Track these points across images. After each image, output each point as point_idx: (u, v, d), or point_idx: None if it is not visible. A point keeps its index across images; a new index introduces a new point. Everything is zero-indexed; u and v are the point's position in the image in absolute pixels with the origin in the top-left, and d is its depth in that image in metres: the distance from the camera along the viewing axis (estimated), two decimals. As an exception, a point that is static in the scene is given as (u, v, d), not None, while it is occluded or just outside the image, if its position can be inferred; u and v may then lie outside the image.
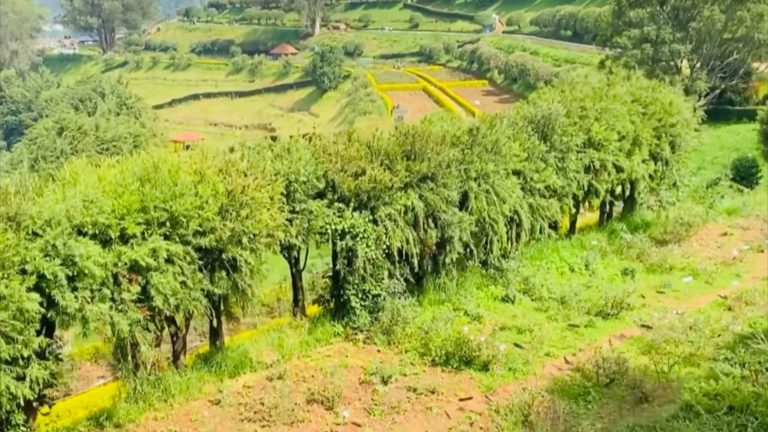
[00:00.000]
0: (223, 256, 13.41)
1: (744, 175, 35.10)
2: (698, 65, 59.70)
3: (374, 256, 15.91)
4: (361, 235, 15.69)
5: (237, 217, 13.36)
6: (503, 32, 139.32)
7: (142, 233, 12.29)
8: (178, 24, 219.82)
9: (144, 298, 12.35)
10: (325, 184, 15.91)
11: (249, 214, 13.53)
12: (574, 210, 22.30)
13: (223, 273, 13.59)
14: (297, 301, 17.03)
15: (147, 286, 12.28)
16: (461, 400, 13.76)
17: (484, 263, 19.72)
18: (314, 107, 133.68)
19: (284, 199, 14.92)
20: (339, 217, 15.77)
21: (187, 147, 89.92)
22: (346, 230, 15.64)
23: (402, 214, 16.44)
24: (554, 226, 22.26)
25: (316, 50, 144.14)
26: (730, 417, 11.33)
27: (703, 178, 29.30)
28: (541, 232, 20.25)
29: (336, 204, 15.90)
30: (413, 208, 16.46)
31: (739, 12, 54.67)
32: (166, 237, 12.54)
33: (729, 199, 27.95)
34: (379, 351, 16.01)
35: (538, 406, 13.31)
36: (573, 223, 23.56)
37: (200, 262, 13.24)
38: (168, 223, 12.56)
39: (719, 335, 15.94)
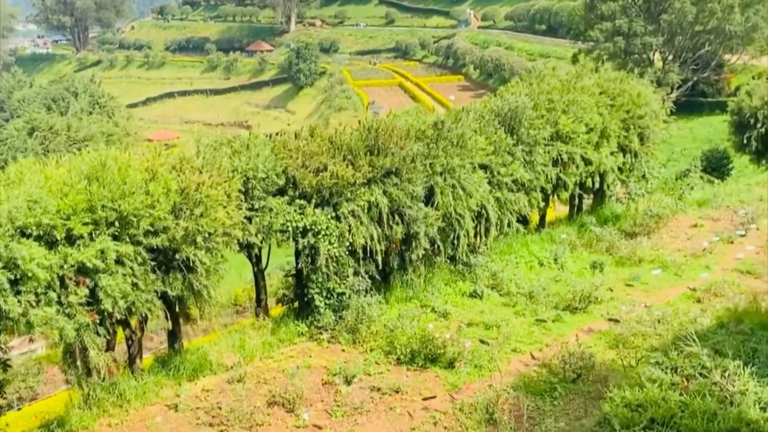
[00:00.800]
0: (177, 256, 12.98)
1: (715, 166, 35.16)
2: (670, 57, 59.95)
3: (337, 254, 15.56)
4: (323, 233, 15.33)
5: (191, 216, 12.94)
6: (478, 27, 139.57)
7: (90, 234, 11.84)
8: (153, 22, 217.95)
9: (93, 301, 11.89)
10: (285, 180, 15.52)
11: (204, 212, 13.11)
12: (543, 204, 22.08)
13: (178, 274, 13.17)
14: (260, 301, 16.65)
15: (95, 288, 11.83)
16: (425, 399, 13.46)
17: (452, 259, 19.44)
18: (290, 104, 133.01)
19: (242, 197, 14.51)
20: (300, 214, 15.39)
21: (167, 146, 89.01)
22: (308, 227, 15.27)
23: (366, 211, 16.10)
24: (524, 220, 22.05)
25: (291, 47, 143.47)
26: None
27: (673, 169, 29.25)
28: (509, 227, 19.97)
29: (297, 201, 15.52)
30: (377, 204, 16.12)
31: (710, 4, 54.93)
32: (116, 237, 12.10)
33: (699, 191, 27.93)
34: (343, 350, 15.67)
35: (503, 404, 13.04)
36: (542, 216, 23.37)
37: (153, 263, 12.81)
38: (117, 223, 12.11)
39: (687, 328, 15.76)
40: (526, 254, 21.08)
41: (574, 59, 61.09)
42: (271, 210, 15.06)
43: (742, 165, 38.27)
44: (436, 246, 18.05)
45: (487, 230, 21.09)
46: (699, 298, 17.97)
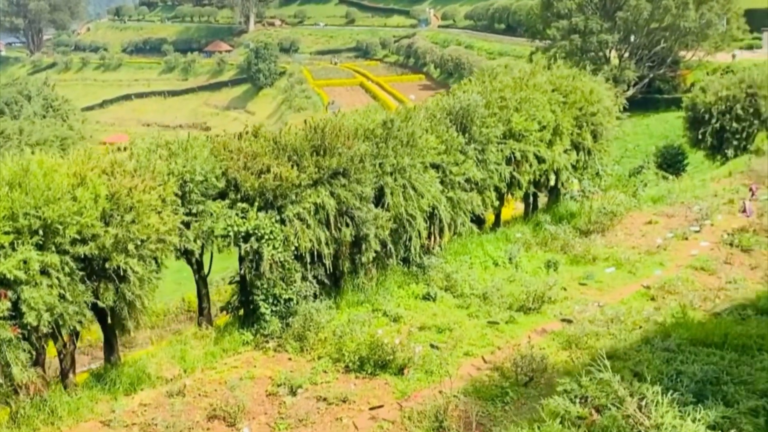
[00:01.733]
0: (108, 265, 12.30)
1: (670, 162, 35.30)
2: (626, 55, 60.32)
3: (283, 259, 14.98)
4: (267, 237, 14.75)
5: (121, 223, 12.27)
6: (439, 26, 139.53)
7: (11, 243, 11.12)
8: (109, 23, 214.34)
9: (15, 314, 11.17)
10: (226, 183, 14.91)
11: (136, 218, 12.45)
12: (497, 203, 21.74)
13: (109, 284, 12.48)
14: (202, 310, 16.00)
15: (18, 301, 11.11)
16: (372, 408, 12.97)
17: (406, 260, 19.00)
18: (250, 105, 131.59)
19: (179, 201, 13.86)
20: (242, 218, 14.79)
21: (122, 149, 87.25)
22: (250, 232, 14.67)
23: (312, 213, 15.55)
24: (479, 219, 21.71)
25: (250, 47, 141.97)
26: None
27: (627, 166, 29.22)
28: (462, 226, 19.59)
29: (239, 204, 14.91)
30: (324, 206, 15.58)
31: (665, 1, 55.31)
32: (40, 246, 11.40)
33: (654, 187, 27.89)
34: (290, 359, 15.11)
35: (452, 411, 12.61)
36: (498, 215, 23.07)
37: (82, 273, 12.12)
38: (41, 231, 11.40)
39: (640, 327, 15.55)
40: (481, 254, 20.73)
41: (531, 58, 61.16)
42: (211, 214, 14.42)
43: (698, 161, 38.54)
44: (387, 248, 17.56)
45: (441, 231, 20.80)
46: (653, 296, 17.80)
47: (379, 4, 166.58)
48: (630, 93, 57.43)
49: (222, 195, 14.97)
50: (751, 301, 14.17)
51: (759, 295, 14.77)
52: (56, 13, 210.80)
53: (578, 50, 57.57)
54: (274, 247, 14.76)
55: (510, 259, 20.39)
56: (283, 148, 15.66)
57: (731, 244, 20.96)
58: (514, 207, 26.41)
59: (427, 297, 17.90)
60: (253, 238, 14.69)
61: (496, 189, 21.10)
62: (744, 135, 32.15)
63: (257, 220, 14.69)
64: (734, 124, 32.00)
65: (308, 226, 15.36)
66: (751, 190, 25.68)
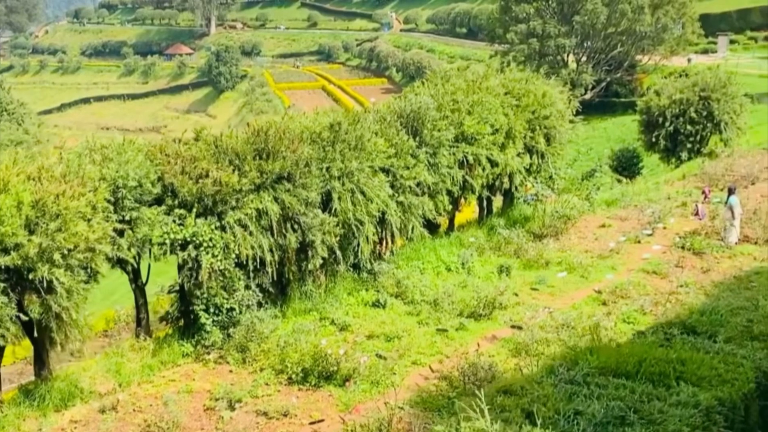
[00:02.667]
0: (32, 276, 11.65)
1: (626, 165, 35.43)
2: (584, 59, 60.77)
3: (223, 267, 14.44)
4: (206, 245, 14.20)
5: (47, 231, 11.64)
6: (401, 30, 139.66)
7: (-76, 254, 10.45)
8: (68, 26, 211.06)
9: (-72, 330, 10.50)
10: (162, 188, 14.34)
11: (62, 226, 11.83)
12: (450, 207, 21.43)
13: (34, 295, 11.84)
14: (139, 321, 15.38)
15: (-69, 316, 10.45)
16: (312, 423, 12.51)
17: (356, 267, 18.59)
18: (211, 108, 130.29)
19: (111, 208, 13.26)
20: (180, 225, 14.23)
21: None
22: (188, 239, 14.11)
23: (254, 219, 15.04)
24: (432, 224, 21.39)
25: (212, 50, 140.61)
26: None
27: (580, 169, 29.19)
28: (413, 232, 19.23)
29: (176, 210, 14.34)
30: (267, 212, 15.08)
31: (621, 5, 55.83)
32: (-45, 257, 10.74)
33: (608, 190, 27.87)
34: (231, 371, 14.57)
35: (397, 423, 12.18)
36: (451, 220, 22.76)
37: (4, 284, 11.46)
38: (-43, 241, 10.75)
39: (590, 333, 15.31)
40: (434, 259, 20.36)
41: (507, 64, 61.34)
42: (146, 221, 13.83)
43: (653, 164, 38.77)
44: (336, 254, 17.10)
45: (393, 236, 20.43)
46: (604, 301, 17.59)
47: (342, 8, 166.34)
48: (588, 97, 57.93)
49: (158, 201, 14.39)
50: (680, 317, 13.54)
51: (692, 309, 14.24)
52: (13, 15, 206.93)
53: (536, 54, 57.84)
54: (213, 255, 14.22)
55: (463, 264, 20.06)
56: (224, 151, 15.13)
57: (683, 248, 20.90)
58: (474, 210, 26.18)
59: (376, 304, 17.49)
60: (191, 246, 14.14)
61: (449, 193, 20.79)
62: (698, 138, 32.33)
63: (195, 227, 14.14)
64: (688, 127, 32.15)
65: (250, 233, 14.86)
66: (703, 192, 25.75)
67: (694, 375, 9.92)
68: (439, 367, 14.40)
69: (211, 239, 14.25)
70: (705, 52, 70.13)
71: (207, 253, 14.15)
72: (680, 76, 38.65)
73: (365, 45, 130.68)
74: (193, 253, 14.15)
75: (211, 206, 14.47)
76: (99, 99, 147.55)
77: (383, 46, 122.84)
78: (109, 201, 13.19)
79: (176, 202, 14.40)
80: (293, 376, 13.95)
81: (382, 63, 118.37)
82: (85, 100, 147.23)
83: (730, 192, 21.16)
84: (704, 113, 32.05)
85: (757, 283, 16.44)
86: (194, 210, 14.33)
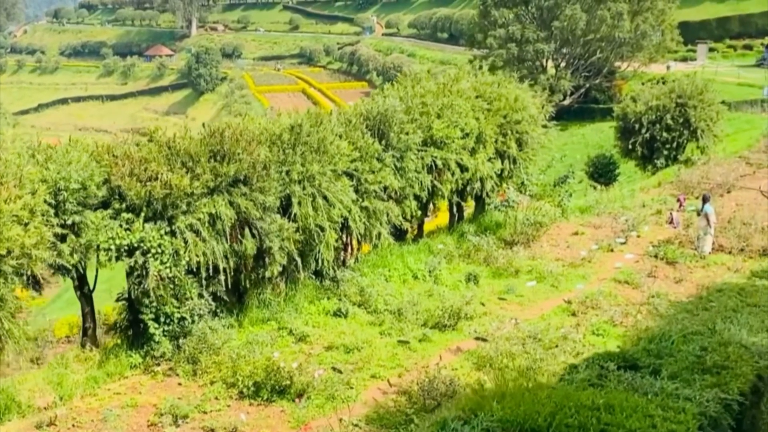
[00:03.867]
0: (-42, 284, 10.93)
1: (602, 172, 35.04)
2: (563, 65, 60.50)
3: (172, 274, 13.72)
4: (154, 251, 13.47)
5: (-25, 236, 10.92)
6: (383, 34, 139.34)
7: None
8: (47, 26, 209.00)
9: None
10: (108, 191, 13.61)
11: (-7, 231, 11.10)
12: (419, 212, 20.82)
13: (-38, 304, 11.10)
14: (85, 330, 14.62)
15: None
16: (260, 441, 11.83)
17: (318, 274, 17.93)
18: (191, 110, 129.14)
19: (51, 211, 12.52)
20: (126, 230, 13.50)
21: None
22: (135, 245, 13.39)
23: (208, 224, 14.34)
24: (400, 230, 20.78)
25: (192, 52, 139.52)
26: None
27: (553, 176, 28.70)
28: (378, 238, 18.60)
29: (124, 215, 13.61)
30: (220, 217, 14.38)
31: (600, 11, 55.62)
32: None
33: (582, 197, 27.41)
34: (180, 384, 13.83)
35: (350, 441, 11.60)
36: (420, 226, 22.15)
37: (-72, 293, 10.71)
38: None
39: (557, 346, 14.77)
40: (400, 267, 19.72)
41: (479, 68, 60.94)
42: (90, 226, 13.09)
43: (630, 170, 38.43)
44: (295, 261, 16.41)
45: (359, 242, 19.82)
46: (574, 312, 17.05)
47: (324, 12, 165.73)
48: (566, 102, 57.68)
49: (105, 204, 13.66)
50: (623, 348, 12.67)
51: (640, 335, 13.32)
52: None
53: (515, 59, 57.47)
54: (162, 262, 13.49)
55: (430, 271, 19.47)
56: (176, 153, 14.42)
57: (656, 257, 20.47)
58: (448, 216, 25.59)
59: (338, 313, 16.83)
60: (138, 252, 13.41)
61: (418, 198, 20.19)
62: (674, 145, 31.98)
63: (143, 232, 13.41)
64: (664, 134, 31.79)
65: (203, 239, 14.14)
66: (678, 201, 25.37)
67: (623, 427, 7.66)
68: (398, 381, 13.76)
69: (159, 245, 13.53)
70: (684, 59, 70.26)
71: (155, 259, 13.43)
72: (658, 83, 38.41)
73: (346, 49, 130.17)
74: (141, 260, 13.42)
75: (161, 210, 13.74)
76: (77, 100, 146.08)
77: (364, 50, 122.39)
78: (50, 204, 12.44)
79: (124, 205, 13.67)
80: (244, 390, 13.25)
81: (363, 67, 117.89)
82: (63, 101, 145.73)
83: (705, 200, 20.75)
84: (681, 120, 31.74)
85: (717, 303, 15.65)
86: (143, 214, 13.60)
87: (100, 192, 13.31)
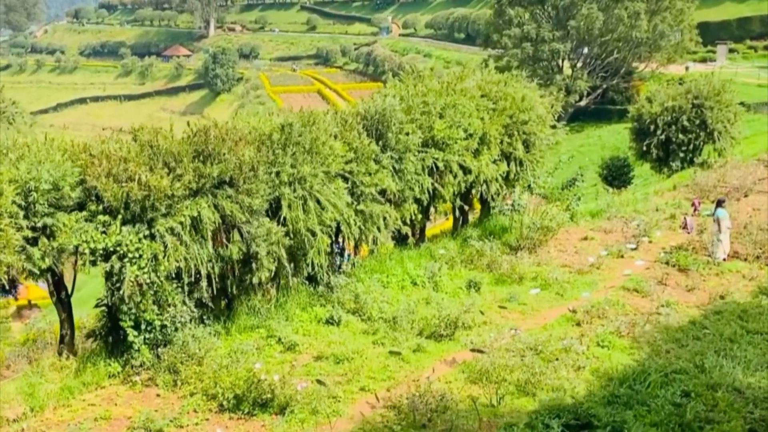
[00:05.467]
0: None
1: (615, 175, 34.05)
2: (579, 65, 59.42)
3: (150, 279, 13.06)
4: (131, 255, 12.83)
5: (-67, 239, 10.31)
6: (400, 35, 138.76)
7: None
8: (67, 26, 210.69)
9: None
10: (84, 192, 12.98)
11: (-46, 234, 10.50)
12: (420, 216, 20.04)
13: None
14: (62, 337, 14.01)
15: None
16: (234, 459, 11.13)
17: (312, 279, 17.23)
18: (207, 110, 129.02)
19: (21, 213, 11.90)
20: (103, 233, 12.86)
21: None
22: (111, 249, 12.74)
23: (189, 228, 13.67)
24: (402, 234, 20.01)
25: (209, 52, 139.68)
26: None
27: (561, 178, 27.78)
28: (374, 243, 17.89)
29: (100, 217, 12.97)
30: (203, 220, 13.70)
31: (617, 10, 54.51)
32: None
33: (593, 201, 26.50)
34: (158, 395, 13.17)
35: (331, 460, 10.87)
36: (422, 230, 21.36)
37: None
38: None
39: (557, 359, 13.95)
40: (399, 272, 18.96)
41: (485, 65, 60.02)
42: (63, 229, 12.46)
43: (646, 173, 37.43)
44: (285, 266, 15.70)
45: (356, 246, 19.12)
46: (579, 321, 16.20)
47: (341, 12, 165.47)
48: (583, 103, 56.62)
49: (81, 206, 13.03)
50: (577, 399, 11.40)
51: (612, 373, 11.90)
52: (12, 14, 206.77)
53: (530, 59, 56.47)
54: (139, 267, 12.83)
55: (430, 278, 18.70)
56: (158, 152, 13.77)
57: (668, 263, 19.55)
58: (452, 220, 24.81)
59: (330, 321, 16.11)
60: (114, 257, 12.76)
61: (418, 201, 19.43)
62: (690, 147, 30.98)
63: (120, 236, 12.76)
64: (680, 136, 30.80)
65: (184, 243, 13.47)
66: (693, 204, 24.42)
67: None
68: (388, 394, 13.01)
69: (137, 249, 12.87)
70: (704, 60, 68.92)
71: (132, 264, 12.78)
72: (678, 84, 37.35)
73: (363, 49, 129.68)
74: (117, 265, 12.77)
75: (140, 213, 13.09)
76: (95, 99, 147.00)
77: (380, 51, 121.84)
78: (19, 206, 11.83)
79: (100, 207, 13.03)
80: (225, 402, 12.56)
81: (379, 67, 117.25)
82: (82, 101, 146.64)
83: (719, 204, 19.82)
84: (697, 122, 30.72)
85: (711, 330, 14.31)
86: (120, 217, 12.96)
87: (74, 193, 12.67)
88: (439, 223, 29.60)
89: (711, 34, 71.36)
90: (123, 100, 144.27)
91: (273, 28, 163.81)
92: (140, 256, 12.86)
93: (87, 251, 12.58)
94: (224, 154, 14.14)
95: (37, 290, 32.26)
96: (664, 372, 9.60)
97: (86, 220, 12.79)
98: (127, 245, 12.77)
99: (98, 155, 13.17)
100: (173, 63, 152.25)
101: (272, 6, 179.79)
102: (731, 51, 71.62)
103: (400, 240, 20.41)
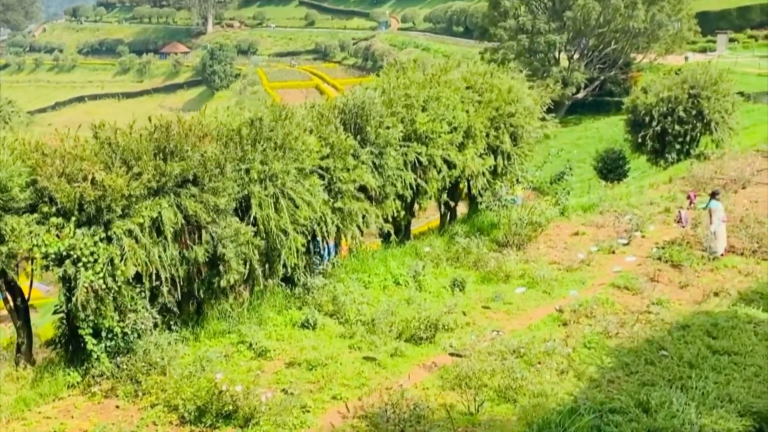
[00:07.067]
0: None
1: (611, 167, 33.25)
2: (576, 56, 58.52)
3: (108, 285, 12.36)
4: (85, 259, 12.12)
5: None
6: (398, 29, 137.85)
7: None
8: (66, 24, 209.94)
9: None
10: (35, 193, 12.28)
11: None
12: (404, 213, 19.31)
13: None
14: (19, 346, 13.30)
15: None
16: (189, 477, 10.44)
17: (289, 281, 16.53)
18: (206, 107, 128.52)
19: (-36, 216, 11.23)
20: (57, 236, 12.16)
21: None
22: (63, 253, 12.04)
23: (150, 229, 12.97)
24: (387, 232, 19.28)
25: (207, 48, 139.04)
26: None
27: (549, 172, 26.99)
28: (353, 239, 17.19)
29: (53, 219, 12.27)
30: (163, 221, 12.99)
31: (613, 0, 53.55)
32: None
33: (585, 194, 25.74)
34: (118, 407, 12.47)
35: (294, 477, 10.18)
36: (407, 227, 20.63)
37: None
38: None
39: (539, 363, 13.24)
40: (382, 272, 18.23)
41: (480, 59, 59.16)
42: (12, 232, 11.77)
43: (643, 165, 36.65)
44: (256, 268, 14.95)
45: (337, 245, 18.45)
46: (565, 321, 15.49)
47: (340, 7, 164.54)
48: (580, 96, 55.78)
49: (33, 208, 12.33)
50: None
51: (527, 417, 10.34)
52: (9, 12, 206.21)
53: (526, 51, 55.60)
54: (95, 272, 12.13)
55: (414, 277, 17.98)
56: (116, 150, 13.06)
57: (660, 259, 18.83)
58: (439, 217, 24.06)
59: (305, 325, 15.40)
60: (68, 261, 12.07)
61: (401, 198, 18.70)
62: (687, 138, 30.19)
63: (73, 239, 12.06)
64: (676, 127, 30.00)
65: (144, 246, 12.76)
66: (689, 197, 23.65)
67: None
68: (358, 404, 12.29)
69: (92, 253, 12.17)
70: (704, 50, 67.97)
71: (86, 269, 12.07)
72: (675, 74, 36.48)
73: (361, 44, 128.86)
74: (71, 270, 12.07)
75: (95, 214, 12.39)
76: (93, 98, 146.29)
77: (379, 45, 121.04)
78: (-38, 208, 11.16)
79: (53, 209, 12.32)
80: (186, 414, 11.87)
81: (378, 62, 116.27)
82: (80, 99, 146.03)
83: (712, 196, 19.07)
84: (694, 112, 29.93)
85: (671, 351, 12.84)
86: (74, 219, 12.25)
87: (24, 194, 11.97)
88: (432, 219, 28.88)
89: (711, 23, 70.40)
90: (121, 98, 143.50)
91: (269, 24, 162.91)
92: (95, 260, 12.16)
93: (39, 256, 11.87)
94: (187, 151, 13.43)
95: (35, 292, 31.69)
96: (599, 412, 8.02)
97: (38, 223, 12.08)
98: (81, 249, 12.07)
99: (51, 154, 12.47)
100: (171, 60, 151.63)
101: (270, 2, 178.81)
102: (731, 40, 70.64)
103: (386, 238, 19.69)
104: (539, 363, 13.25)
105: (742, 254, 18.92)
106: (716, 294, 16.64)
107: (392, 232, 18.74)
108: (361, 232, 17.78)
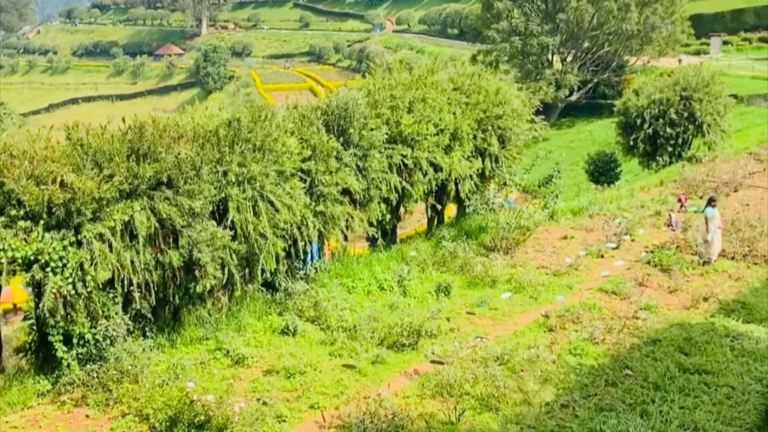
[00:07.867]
0: None
1: (602, 170, 32.94)
2: (569, 59, 58.26)
3: (78, 290, 11.98)
4: (54, 264, 11.75)
5: None
6: (393, 31, 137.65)
7: None
8: (60, 26, 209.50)
9: None
10: (2, 196, 11.90)
11: None
12: (389, 216, 18.97)
13: None
14: (-13, 353, 12.94)
15: None
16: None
17: (270, 286, 16.17)
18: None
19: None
20: (24, 240, 11.78)
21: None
22: (31, 257, 11.67)
23: (121, 233, 12.60)
24: (374, 236, 18.93)
25: (201, 50, 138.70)
26: None
27: (538, 175, 26.67)
28: (336, 243, 16.83)
29: (20, 223, 11.88)
30: (135, 224, 12.62)
31: (607, 2, 53.31)
32: None
33: (575, 198, 25.42)
34: (88, 416, 12.09)
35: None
36: (393, 230, 20.28)
37: None
38: None
39: (522, 370, 12.90)
40: (366, 276, 17.88)
41: (473, 61, 58.91)
42: (-22, 236, 11.40)
43: (635, 168, 36.38)
44: (234, 273, 14.59)
45: (320, 249, 18.08)
46: (551, 327, 15.14)
47: (334, 9, 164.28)
48: (573, 98, 55.53)
49: (0, 211, 11.95)
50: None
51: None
52: (3, 14, 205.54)
53: (519, 53, 55.30)
54: (63, 277, 11.76)
55: (399, 282, 17.63)
56: (88, 152, 12.69)
57: (649, 263, 18.51)
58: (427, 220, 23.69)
59: (285, 331, 15.03)
60: (36, 266, 11.69)
61: (386, 201, 18.36)
62: (679, 141, 29.91)
63: (41, 243, 11.69)
64: (668, 130, 29.72)
65: (115, 250, 12.39)
66: (680, 200, 23.36)
67: None
68: (336, 413, 11.94)
69: (61, 258, 11.80)
70: (697, 53, 67.82)
71: (55, 274, 11.70)
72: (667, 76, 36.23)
73: (356, 46, 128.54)
74: (39, 274, 11.69)
75: (65, 218, 12.02)
76: (87, 99, 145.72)
77: (373, 47, 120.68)
78: (-77, 212, 10.78)
79: (21, 212, 11.94)
80: (157, 425, 11.50)
81: (372, 64, 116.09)
82: (74, 101, 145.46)
83: (709, 202, 18.66)
84: (685, 114, 29.65)
85: (636, 370, 12.18)
86: (42, 222, 11.88)
87: (-11, 198, 11.60)
88: (421, 223, 28.54)
89: (705, 26, 70.29)
90: (115, 100, 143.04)
91: (263, 26, 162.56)
92: (65, 265, 11.79)
93: (5, 260, 11.49)
94: (161, 153, 13.07)
95: (23, 293, 31.39)
96: None
97: (5, 227, 11.69)
98: (49, 253, 11.69)
99: (19, 155, 12.09)
100: (165, 62, 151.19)
101: (265, 3, 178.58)
102: (725, 43, 70.56)
103: (373, 242, 19.33)
104: (522, 370, 12.92)
105: (732, 258, 18.62)
106: (705, 299, 16.34)
107: (378, 236, 18.38)
108: (345, 236, 17.41)
